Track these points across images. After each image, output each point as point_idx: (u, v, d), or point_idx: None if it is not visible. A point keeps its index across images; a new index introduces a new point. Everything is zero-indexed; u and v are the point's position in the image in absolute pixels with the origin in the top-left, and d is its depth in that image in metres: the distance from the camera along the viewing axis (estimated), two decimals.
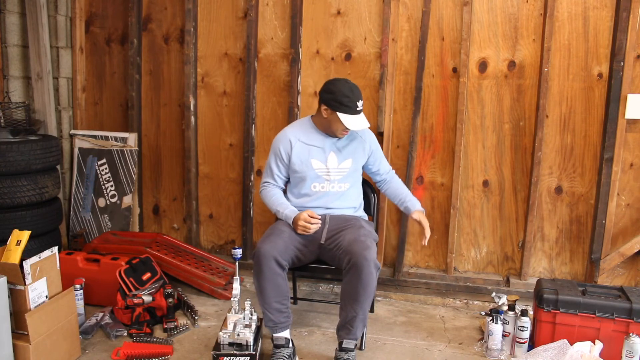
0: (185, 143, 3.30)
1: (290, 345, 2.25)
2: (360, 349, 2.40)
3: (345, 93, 2.28)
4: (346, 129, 2.33)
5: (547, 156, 2.85)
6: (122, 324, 2.50)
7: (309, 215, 2.29)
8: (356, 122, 2.30)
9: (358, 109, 2.30)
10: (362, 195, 2.57)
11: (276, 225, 2.36)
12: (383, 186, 2.61)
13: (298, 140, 2.41)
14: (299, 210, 2.34)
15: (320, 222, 2.30)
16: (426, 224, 2.42)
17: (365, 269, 2.08)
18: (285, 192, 2.51)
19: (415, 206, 2.48)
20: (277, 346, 2.22)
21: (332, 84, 2.32)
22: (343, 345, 2.20)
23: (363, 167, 2.54)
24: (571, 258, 2.92)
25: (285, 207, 2.37)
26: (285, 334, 2.24)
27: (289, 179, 2.50)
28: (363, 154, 2.48)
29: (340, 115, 2.28)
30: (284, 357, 2.18)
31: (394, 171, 2.63)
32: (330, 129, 2.37)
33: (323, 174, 2.40)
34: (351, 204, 2.47)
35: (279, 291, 2.20)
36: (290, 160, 2.41)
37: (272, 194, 2.45)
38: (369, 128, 2.46)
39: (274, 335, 2.24)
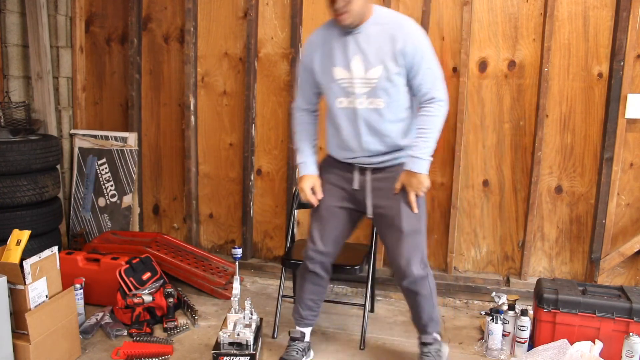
0: (185, 142, 3.30)
1: (307, 340, 2.28)
2: (360, 348, 2.40)
3: None
4: (332, 5, 1.89)
5: (547, 156, 2.85)
6: (122, 323, 2.51)
7: (313, 188, 2.12)
8: None
9: None
10: (409, 120, 2.02)
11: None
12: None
13: (321, 45, 2.01)
14: (335, 150, 2.12)
15: (315, 203, 2.13)
16: (411, 199, 1.99)
17: (414, 286, 2.06)
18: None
19: (410, 165, 1.97)
20: (292, 339, 2.26)
21: None
22: (423, 341, 2.19)
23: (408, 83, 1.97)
24: (571, 258, 2.92)
25: (301, 155, 2.16)
26: (305, 329, 2.28)
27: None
28: (394, 61, 1.90)
29: None
30: (298, 350, 2.22)
31: (436, 102, 1.95)
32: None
33: (346, 84, 1.97)
34: (393, 140, 2.02)
35: (316, 291, 2.24)
36: (313, 68, 2.04)
37: (296, 126, 2.20)
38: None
39: (294, 328, 2.29)
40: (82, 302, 2.53)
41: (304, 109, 2.18)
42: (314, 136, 2.20)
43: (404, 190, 2.02)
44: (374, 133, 2.01)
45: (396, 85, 1.95)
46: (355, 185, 2.09)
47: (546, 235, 2.92)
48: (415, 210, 2.01)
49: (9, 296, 1.93)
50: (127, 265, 2.63)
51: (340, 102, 2.02)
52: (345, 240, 2.23)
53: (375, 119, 1.99)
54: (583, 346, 2.15)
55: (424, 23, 2.85)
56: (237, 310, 2.23)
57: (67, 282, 2.26)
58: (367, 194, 2.08)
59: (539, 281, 2.43)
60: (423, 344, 2.18)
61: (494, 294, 2.54)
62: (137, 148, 3.35)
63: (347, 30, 1.94)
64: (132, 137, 3.34)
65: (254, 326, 2.21)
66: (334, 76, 1.99)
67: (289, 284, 2.85)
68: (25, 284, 1.96)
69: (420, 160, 1.96)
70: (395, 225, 2.03)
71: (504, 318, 2.35)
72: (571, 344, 2.17)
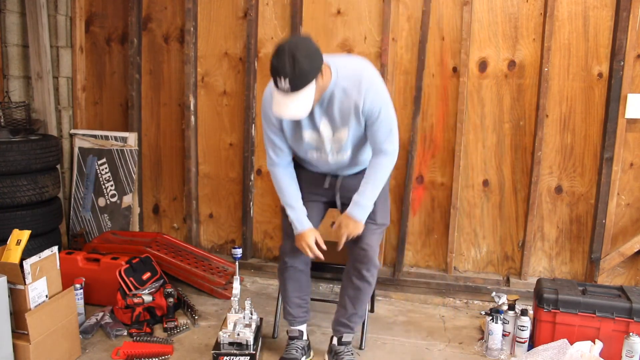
0: (185, 142, 3.30)
1: (305, 338, 2.28)
2: (360, 348, 2.39)
3: (272, 56, 1.79)
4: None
5: (547, 156, 2.85)
6: (122, 323, 2.50)
7: (316, 242, 2.08)
8: (278, 105, 1.81)
9: (279, 87, 1.78)
10: (370, 152, 2.12)
11: None
12: None
13: None
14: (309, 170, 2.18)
15: (322, 257, 2.10)
16: (344, 236, 2.05)
17: (368, 275, 2.09)
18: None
19: (352, 210, 2.03)
20: (291, 338, 2.26)
21: (281, 43, 1.82)
22: (343, 340, 2.21)
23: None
24: (571, 258, 2.92)
25: (292, 210, 2.10)
26: (301, 327, 2.27)
27: None
28: (357, 120, 1.96)
29: (273, 88, 1.82)
30: (297, 348, 2.22)
31: (388, 154, 2.04)
32: None
33: (316, 143, 2.04)
34: (360, 167, 2.16)
35: (301, 287, 2.23)
36: (282, 128, 2.04)
37: (279, 182, 2.12)
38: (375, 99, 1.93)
39: (290, 327, 2.28)
40: (82, 302, 2.53)
41: (282, 164, 2.14)
42: (299, 188, 2.15)
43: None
44: (344, 167, 2.14)
45: (361, 135, 2.04)
46: (326, 185, 2.18)
47: (546, 235, 2.92)
48: (322, 258, 2.10)
49: (9, 296, 1.93)
50: (127, 265, 2.63)
51: (310, 155, 2.11)
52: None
53: (345, 161, 2.10)
54: (583, 346, 2.15)
55: (424, 23, 2.85)
56: (237, 310, 2.23)
57: (67, 282, 2.26)
58: (336, 191, 2.17)
59: (539, 281, 2.43)
60: (343, 343, 2.20)
61: (494, 294, 2.54)
62: (137, 148, 3.35)
63: None
64: (132, 137, 3.34)
65: (254, 326, 2.21)
66: (303, 138, 2.04)
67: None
68: (25, 284, 1.96)
69: (362, 209, 2.04)
70: (369, 217, 2.08)
71: (504, 318, 2.35)
72: (571, 344, 2.17)
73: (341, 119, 1.96)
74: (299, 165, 2.21)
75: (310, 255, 2.09)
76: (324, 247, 2.10)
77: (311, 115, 1.96)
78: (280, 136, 2.06)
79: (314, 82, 1.80)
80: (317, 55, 1.81)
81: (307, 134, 2.02)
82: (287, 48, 1.75)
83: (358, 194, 2.04)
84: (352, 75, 1.93)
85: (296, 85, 1.76)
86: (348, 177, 2.17)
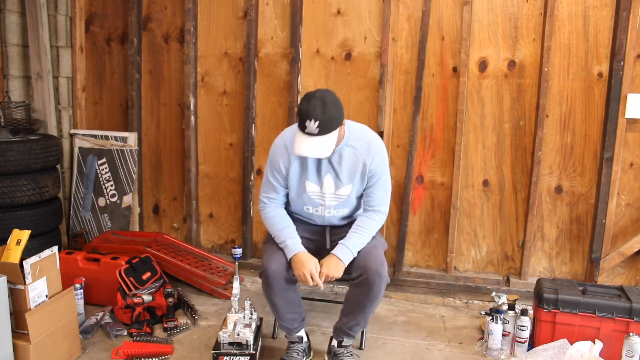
0: (185, 142, 3.30)
1: (305, 340, 2.28)
2: (360, 348, 2.39)
3: (302, 102, 1.92)
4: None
5: (547, 156, 2.85)
6: (122, 323, 2.51)
7: (315, 270, 2.04)
8: (301, 145, 1.92)
9: (307, 129, 1.88)
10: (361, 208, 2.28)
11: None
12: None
13: (296, 158, 2.10)
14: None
15: (321, 287, 2.08)
16: (323, 276, 2.05)
17: (377, 285, 2.04)
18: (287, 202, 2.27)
19: (337, 250, 2.07)
20: (291, 342, 2.26)
21: (310, 92, 1.95)
22: (343, 344, 2.22)
23: None
24: (571, 257, 2.92)
25: (287, 237, 2.10)
26: (300, 334, 2.26)
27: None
28: (362, 180, 2.12)
29: (297, 131, 1.94)
30: (298, 351, 2.21)
31: (380, 213, 2.15)
32: None
33: (317, 197, 2.15)
34: (350, 219, 2.24)
35: (291, 303, 2.17)
36: (288, 176, 2.14)
37: (272, 219, 2.17)
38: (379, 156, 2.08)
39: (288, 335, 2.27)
40: (82, 302, 2.53)
41: (277, 204, 2.20)
42: (290, 219, 2.18)
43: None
44: (335, 221, 2.23)
45: (360, 194, 2.17)
46: (316, 233, 2.26)
47: (546, 235, 2.92)
48: (322, 288, 2.12)
49: (9, 296, 1.93)
50: (127, 265, 2.63)
51: (307, 210, 2.20)
52: None
53: (338, 217, 2.21)
54: (583, 346, 2.15)
55: (424, 23, 2.85)
56: (237, 310, 2.23)
57: (67, 282, 2.26)
58: (326, 234, 2.26)
59: (539, 281, 2.43)
60: (343, 346, 2.21)
61: (494, 293, 2.54)
62: (137, 148, 3.35)
63: None
64: (132, 137, 3.34)
65: (253, 326, 2.21)
66: (306, 188, 2.14)
67: None
68: (25, 284, 1.96)
69: (347, 252, 2.08)
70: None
71: (504, 318, 2.35)
72: (571, 344, 2.17)
73: (347, 176, 2.10)
74: (291, 214, 2.25)
75: (311, 284, 2.04)
76: (322, 270, 2.07)
77: (318, 168, 2.10)
78: (282, 184, 2.16)
79: (337, 130, 1.94)
80: (341, 106, 1.97)
81: (310, 186, 2.13)
82: (318, 95, 1.91)
83: (345, 240, 2.11)
84: (363, 137, 2.12)
85: (324, 129, 1.89)
86: (337, 226, 2.26)
